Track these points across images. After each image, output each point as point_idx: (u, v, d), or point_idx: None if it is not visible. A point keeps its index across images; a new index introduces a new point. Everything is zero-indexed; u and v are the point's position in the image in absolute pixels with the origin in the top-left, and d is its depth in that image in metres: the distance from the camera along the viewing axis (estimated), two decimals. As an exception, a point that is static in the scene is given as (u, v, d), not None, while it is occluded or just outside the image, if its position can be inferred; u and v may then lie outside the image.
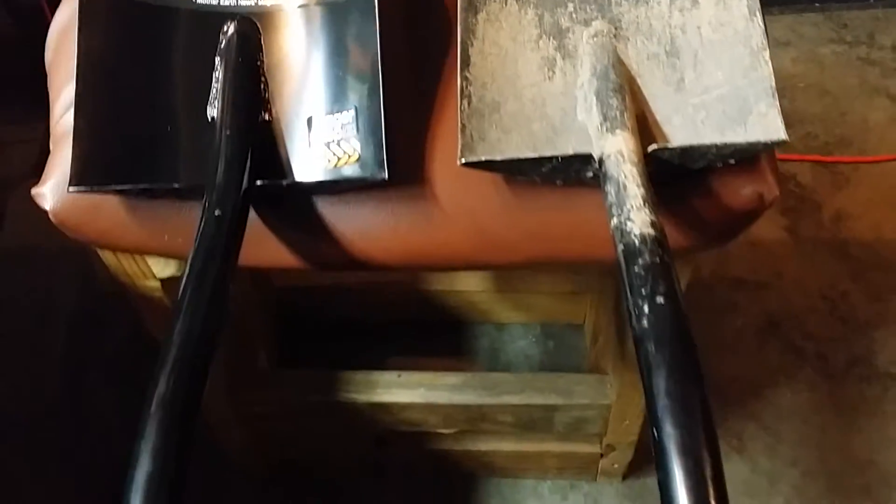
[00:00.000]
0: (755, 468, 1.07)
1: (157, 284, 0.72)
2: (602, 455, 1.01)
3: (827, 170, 1.33)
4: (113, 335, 1.19)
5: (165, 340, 0.50)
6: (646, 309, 0.45)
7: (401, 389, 0.92)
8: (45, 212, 0.63)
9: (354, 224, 0.61)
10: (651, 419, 0.41)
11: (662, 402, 0.41)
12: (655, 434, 0.41)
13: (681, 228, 0.60)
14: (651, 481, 1.06)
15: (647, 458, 1.05)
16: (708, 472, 0.39)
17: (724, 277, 1.23)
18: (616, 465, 1.03)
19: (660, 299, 0.45)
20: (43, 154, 0.78)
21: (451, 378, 0.93)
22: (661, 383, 0.41)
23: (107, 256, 0.70)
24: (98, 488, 1.03)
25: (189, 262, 0.53)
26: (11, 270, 1.18)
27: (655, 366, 0.42)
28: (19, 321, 1.14)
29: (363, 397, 0.92)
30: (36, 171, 1.27)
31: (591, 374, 0.93)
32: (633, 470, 1.06)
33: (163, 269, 0.70)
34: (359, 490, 1.07)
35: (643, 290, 0.46)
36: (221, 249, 0.54)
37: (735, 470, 1.07)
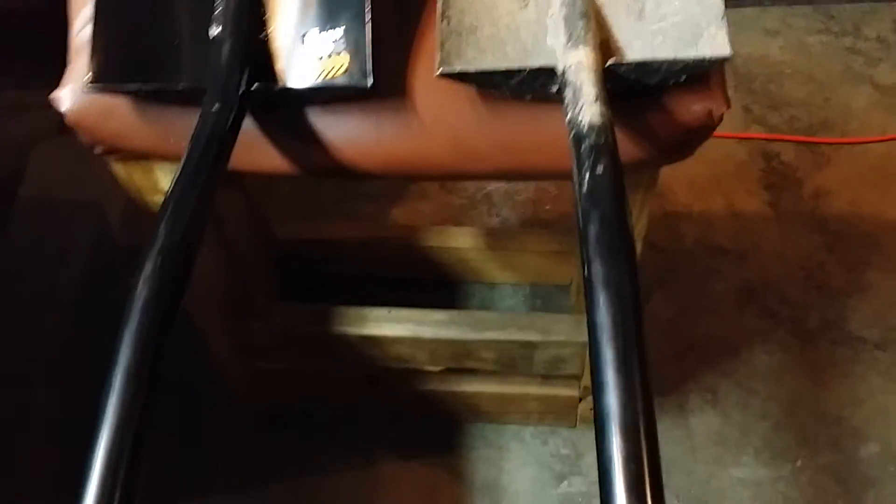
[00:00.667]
0: (727, 421, 1.12)
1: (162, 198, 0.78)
2: (580, 399, 1.06)
3: (809, 150, 1.38)
4: (123, 285, 1.25)
5: (156, 221, 0.57)
6: (587, 178, 0.51)
7: (390, 323, 0.98)
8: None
9: (341, 132, 0.67)
10: (583, 262, 0.47)
11: (593, 247, 0.46)
12: (585, 273, 0.46)
13: (637, 142, 0.66)
14: (628, 430, 1.11)
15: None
16: (629, 302, 0.45)
17: (706, 246, 1.28)
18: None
19: (600, 169, 0.51)
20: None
21: (438, 315, 0.99)
22: (592, 231, 0.47)
23: (118, 169, 0.76)
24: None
25: (187, 149, 0.59)
26: (33, 219, 1.25)
27: (590, 219, 0.48)
28: (38, 265, 1.21)
29: (355, 330, 0.98)
30: (59, 132, 1.35)
31: (569, 315, 0.99)
32: (611, 418, 1.11)
33: (168, 182, 0.76)
34: (351, 433, 1.13)
35: (586, 164, 0.52)
36: (217, 140, 0.60)
37: (708, 422, 1.12)
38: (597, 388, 0.45)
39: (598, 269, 0.45)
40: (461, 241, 1.18)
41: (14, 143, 1.38)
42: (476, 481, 1.09)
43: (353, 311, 0.99)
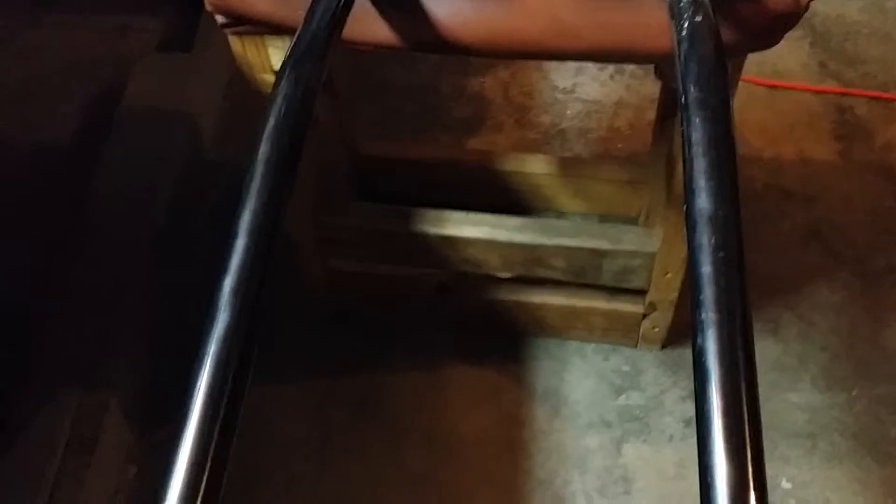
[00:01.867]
0: (787, 350, 1.15)
1: (272, 78, 0.84)
2: (644, 315, 1.10)
3: (882, 105, 1.40)
4: (212, 193, 1.32)
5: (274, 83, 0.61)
6: (686, 25, 0.55)
7: (467, 225, 1.03)
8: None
9: (445, 6, 0.72)
10: (681, 91, 0.51)
11: (691, 76, 0.51)
12: (682, 100, 0.51)
13: (727, 25, 0.70)
14: (687, 353, 1.15)
15: (685, 332, 1.15)
16: (722, 118, 0.49)
17: (774, 188, 1.31)
18: (656, 329, 1.12)
19: (698, 18, 0.55)
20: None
21: (513, 220, 1.04)
22: (691, 65, 0.51)
23: (234, 45, 0.83)
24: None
25: (304, 17, 0.65)
26: (133, 125, 1.32)
27: (689, 56, 0.52)
28: (136, 168, 1.28)
29: (432, 230, 1.03)
30: (158, 49, 1.42)
31: (640, 227, 1.03)
32: (671, 340, 1.15)
33: (279, 61, 0.83)
34: (418, 338, 1.18)
35: (685, 15, 0.56)
36: (332, 10, 0.66)
37: (767, 349, 1.16)
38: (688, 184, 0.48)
39: (693, 94, 0.50)
40: (535, 167, 1.23)
41: (117, 59, 1.46)
42: (538, 388, 1.14)
43: (431, 213, 1.04)
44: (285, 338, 1.19)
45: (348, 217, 1.06)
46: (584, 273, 1.05)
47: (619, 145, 1.38)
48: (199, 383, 0.49)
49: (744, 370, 0.43)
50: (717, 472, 0.40)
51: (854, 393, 1.11)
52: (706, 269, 0.45)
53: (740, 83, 1.51)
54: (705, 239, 0.45)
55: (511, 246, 1.03)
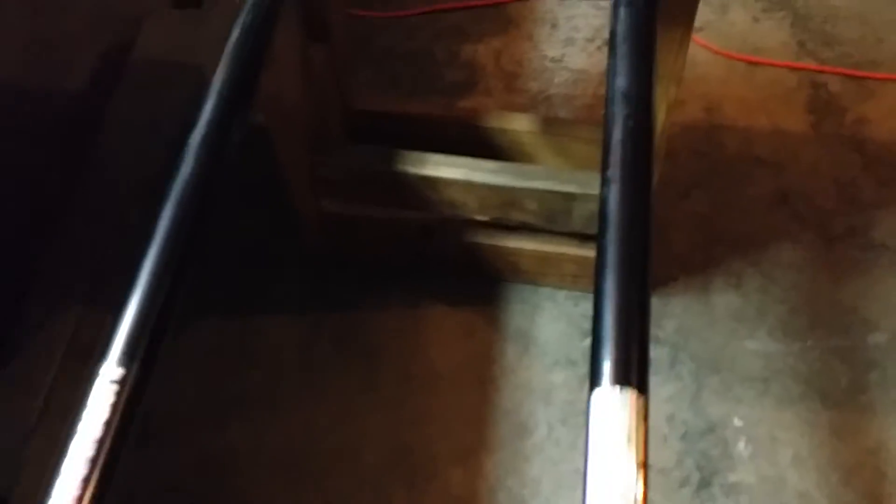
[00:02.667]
0: (747, 301, 1.22)
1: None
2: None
3: (856, 83, 1.46)
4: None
5: None
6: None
7: (446, 167, 1.10)
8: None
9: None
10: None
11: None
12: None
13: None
14: (657, 302, 1.22)
15: (654, 283, 1.21)
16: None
17: (746, 155, 1.37)
18: (624, 277, 1.19)
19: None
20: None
21: (490, 164, 1.11)
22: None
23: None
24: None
25: None
26: (142, 78, 1.40)
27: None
28: (146, 110, 1.36)
29: (415, 170, 1.10)
30: (169, 5, 1.49)
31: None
32: (639, 290, 1.22)
33: None
34: (402, 281, 1.25)
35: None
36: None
37: (729, 301, 1.22)
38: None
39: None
40: (518, 125, 1.29)
41: (131, 14, 1.54)
42: (510, 329, 1.21)
43: (415, 155, 1.11)
44: (278, 277, 1.27)
45: (338, 157, 1.13)
46: (555, 217, 1.11)
47: (602, 112, 1.45)
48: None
49: (641, 219, 0.50)
50: (608, 297, 0.47)
51: (808, 343, 1.18)
52: (617, 135, 0.52)
53: (720, 58, 1.58)
54: (619, 110, 0.52)
55: (487, 188, 1.10)
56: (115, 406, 0.56)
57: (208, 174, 0.65)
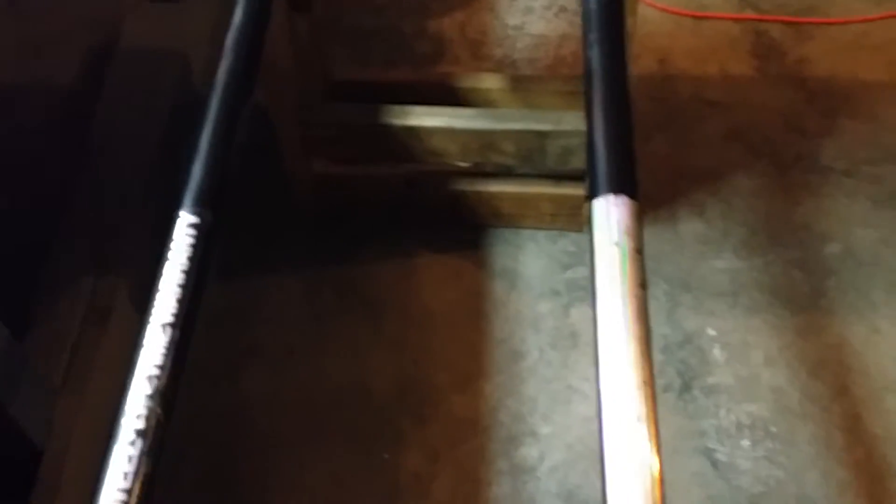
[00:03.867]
0: (711, 227, 1.32)
1: None
2: (586, 197, 1.26)
3: (794, 29, 1.58)
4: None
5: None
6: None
7: (429, 116, 1.19)
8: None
9: None
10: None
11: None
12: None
13: None
14: (627, 235, 1.31)
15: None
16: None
17: (699, 99, 1.48)
18: (597, 211, 1.28)
19: None
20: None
21: (468, 111, 1.20)
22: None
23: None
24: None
25: None
26: (129, 66, 1.47)
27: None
28: (136, 97, 1.43)
29: (399, 122, 1.19)
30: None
31: (578, 112, 1.19)
32: (612, 224, 1.32)
33: None
34: (391, 233, 1.34)
35: None
36: None
37: (694, 227, 1.32)
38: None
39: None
40: (489, 84, 1.38)
41: (115, 9, 1.61)
42: (496, 268, 1.30)
43: (398, 108, 1.20)
44: (276, 240, 1.35)
45: (325, 115, 1.22)
46: (531, 156, 1.21)
47: (564, 71, 1.55)
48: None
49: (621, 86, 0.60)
50: (598, 127, 0.57)
51: (770, 258, 1.28)
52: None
53: (668, 15, 1.69)
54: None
55: (467, 133, 1.19)
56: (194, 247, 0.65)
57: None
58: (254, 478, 1.14)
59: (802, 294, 1.25)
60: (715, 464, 1.11)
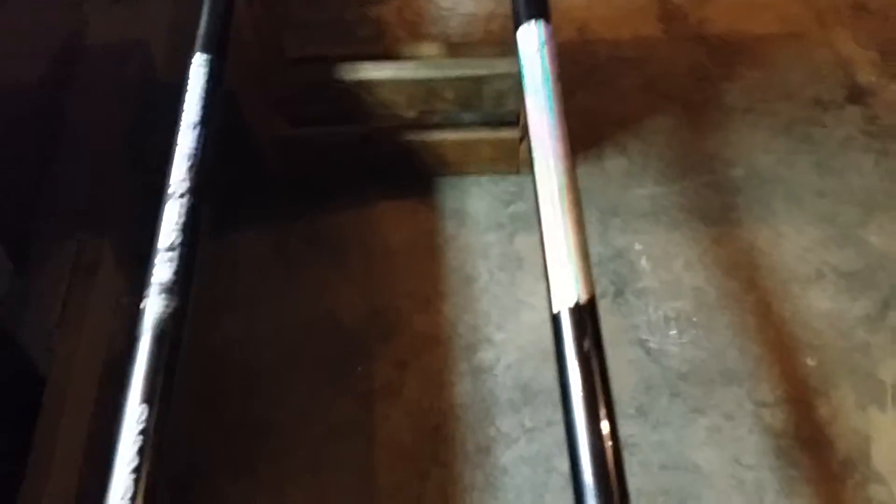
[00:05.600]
0: (632, 161, 1.49)
1: None
2: (521, 139, 1.43)
3: (695, -5, 1.78)
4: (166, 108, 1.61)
5: None
6: None
7: (377, 70, 1.35)
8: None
9: None
10: None
11: None
12: None
13: None
14: (559, 174, 1.48)
15: (557, 158, 1.48)
16: None
17: (617, 58, 1.66)
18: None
19: None
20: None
21: (411, 62, 1.36)
22: None
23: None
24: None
25: None
26: (93, 60, 1.60)
27: None
28: (103, 87, 1.56)
29: (352, 76, 1.35)
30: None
31: (510, 58, 1.36)
32: (546, 164, 1.48)
33: None
34: (351, 188, 1.48)
35: None
36: None
37: (618, 163, 1.49)
38: None
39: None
40: (428, 50, 1.55)
41: (77, 9, 1.74)
42: (446, 210, 1.45)
43: (349, 64, 1.36)
44: (245, 200, 1.48)
45: (285, 76, 1.37)
46: (469, 101, 1.37)
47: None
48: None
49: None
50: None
51: (685, 183, 1.46)
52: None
53: (585, -12, 1.85)
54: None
55: (412, 83, 1.35)
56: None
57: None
58: (238, 400, 1.26)
59: (714, 210, 1.42)
60: (648, 351, 1.27)
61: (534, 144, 0.82)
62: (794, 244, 1.37)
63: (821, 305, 1.30)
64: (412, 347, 1.30)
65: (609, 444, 0.62)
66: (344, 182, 1.49)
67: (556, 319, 0.71)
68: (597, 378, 0.66)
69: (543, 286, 1.40)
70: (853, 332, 1.27)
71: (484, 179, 1.49)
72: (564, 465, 1.18)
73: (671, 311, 1.31)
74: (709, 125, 1.54)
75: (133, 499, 0.58)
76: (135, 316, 1.40)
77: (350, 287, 1.38)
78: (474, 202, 1.46)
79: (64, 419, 1.18)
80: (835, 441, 1.17)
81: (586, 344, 0.68)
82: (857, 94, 1.56)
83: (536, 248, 1.39)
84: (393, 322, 1.33)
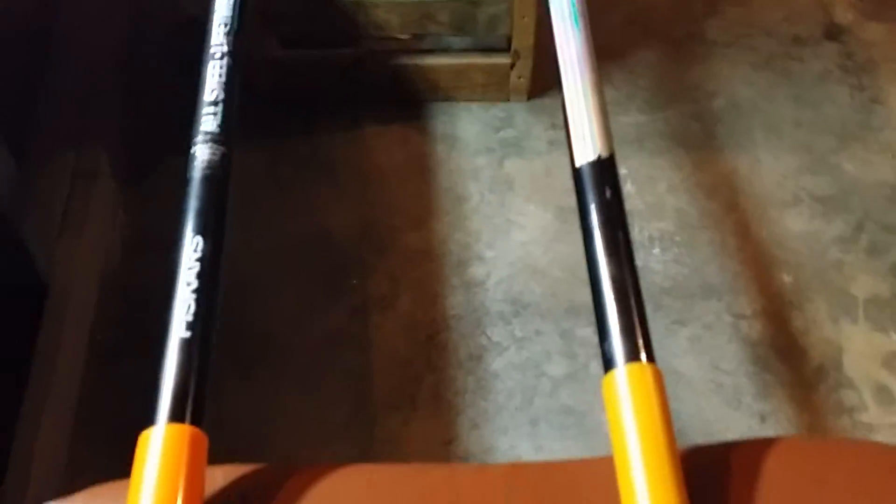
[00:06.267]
0: (618, 91, 1.54)
1: None
2: (512, 65, 1.46)
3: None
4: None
5: None
6: None
7: (373, -10, 1.37)
8: None
9: None
10: None
11: None
12: None
13: None
14: (546, 102, 1.52)
15: (543, 88, 1.51)
16: None
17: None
18: (522, 79, 1.48)
19: None
20: None
21: (407, -15, 1.39)
22: None
23: None
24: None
25: None
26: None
27: None
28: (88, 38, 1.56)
29: (347, -4, 1.37)
30: None
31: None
32: (534, 93, 1.52)
33: None
34: (342, 109, 1.51)
35: None
36: None
37: (606, 95, 1.53)
38: None
39: None
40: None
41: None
42: (437, 134, 1.49)
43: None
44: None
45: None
46: (463, 25, 1.40)
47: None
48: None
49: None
50: None
51: (668, 112, 1.51)
52: None
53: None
54: None
55: (407, 3, 1.37)
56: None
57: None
58: (234, 312, 1.29)
59: (697, 138, 1.47)
60: (633, 267, 1.32)
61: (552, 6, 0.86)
62: (772, 170, 1.43)
63: (797, 227, 1.36)
64: (405, 263, 1.34)
65: (629, 276, 0.68)
66: (335, 105, 1.51)
67: (577, 173, 0.76)
68: (617, 223, 0.71)
69: (533, 207, 1.46)
70: (827, 252, 1.33)
71: (475, 106, 1.53)
72: (553, 370, 1.24)
73: (655, 231, 1.36)
74: (692, 58, 1.59)
75: (196, 314, 0.63)
76: (130, 231, 1.42)
77: (343, 206, 1.41)
78: (465, 127, 1.50)
79: (66, 326, 1.20)
80: (808, 350, 1.24)
81: (608, 192, 0.73)
82: (834, 32, 1.62)
83: (526, 171, 1.45)
84: (386, 238, 1.37)
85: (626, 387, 0.60)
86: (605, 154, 0.77)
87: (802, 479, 0.52)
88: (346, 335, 1.27)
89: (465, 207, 1.40)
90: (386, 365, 1.24)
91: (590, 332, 1.26)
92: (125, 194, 1.41)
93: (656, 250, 1.34)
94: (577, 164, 0.76)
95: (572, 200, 1.40)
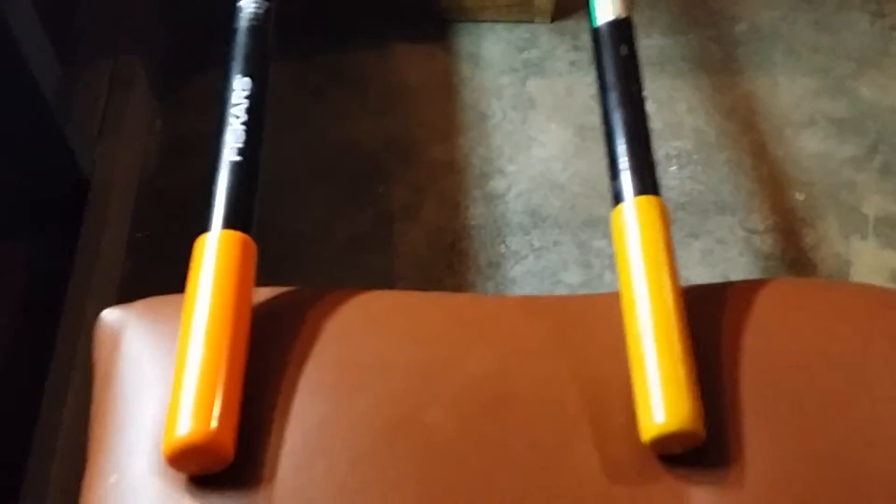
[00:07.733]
0: (641, 15, 1.55)
1: None
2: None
3: None
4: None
5: None
6: None
7: None
8: None
9: None
10: None
11: None
12: None
13: None
14: (569, 24, 1.55)
15: (567, 10, 1.54)
16: None
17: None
18: (545, 0, 1.51)
19: None
20: None
21: None
22: None
23: None
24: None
25: None
26: None
27: None
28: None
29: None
30: None
31: None
32: (558, 15, 1.54)
33: None
34: (366, 29, 1.54)
35: None
36: None
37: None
38: None
39: None
40: None
41: None
42: (462, 53, 1.52)
43: None
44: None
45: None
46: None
47: None
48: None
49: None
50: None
51: (690, 36, 1.53)
52: None
53: None
54: None
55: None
56: None
57: None
58: (265, 211, 1.34)
59: (717, 60, 1.50)
60: (650, 183, 1.36)
61: None
62: (789, 93, 1.46)
63: (812, 148, 1.39)
64: (429, 174, 1.39)
65: (641, 124, 0.72)
66: (363, 22, 1.55)
67: (596, 33, 0.80)
68: (632, 77, 0.76)
69: (554, 125, 1.49)
70: (841, 171, 1.36)
71: (499, 26, 1.55)
72: (570, 278, 1.29)
73: (673, 149, 1.40)
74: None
75: (245, 142, 0.69)
76: (166, 137, 1.47)
77: (369, 118, 1.45)
78: (489, 47, 1.53)
79: (109, 216, 1.26)
80: (818, 264, 1.28)
81: (623, 49, 0.77)
82: (858, -40, 1.63)
83: (548, 91, 1.49)
84: (410, 150, 1.41)
85: (633, 217, 0.64)
86: (623, 15, 0.81)
87: (795, 313, 0.56)
88: (370, 239, 1.32)
89: (488, 124, 1.44)
90: (408, 268, 1.29)
91: (605, 244, 1.31)
92: (162, 101, 1.45)
93: (673, 167, 1.38)
94: (597, 24, 0.80)
95: (592, 120, 1.45)
